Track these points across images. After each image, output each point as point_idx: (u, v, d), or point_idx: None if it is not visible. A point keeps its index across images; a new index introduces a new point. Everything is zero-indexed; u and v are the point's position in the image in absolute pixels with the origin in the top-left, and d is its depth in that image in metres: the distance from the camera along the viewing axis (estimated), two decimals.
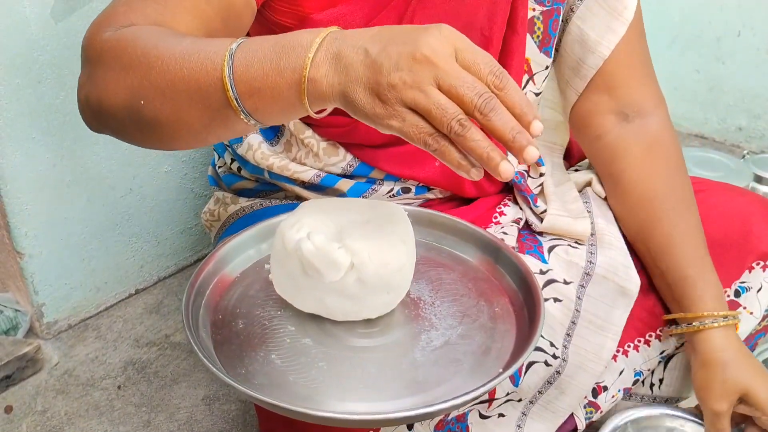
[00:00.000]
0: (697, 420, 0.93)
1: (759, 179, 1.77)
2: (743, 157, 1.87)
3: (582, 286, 0.91)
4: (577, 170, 1.11)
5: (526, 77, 0.98)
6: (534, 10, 0.94)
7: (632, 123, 0.97)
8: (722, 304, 0.91)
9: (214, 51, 0.62)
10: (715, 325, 0.89)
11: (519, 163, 0.58)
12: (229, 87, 0.60)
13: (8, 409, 1.26)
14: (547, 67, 0.98)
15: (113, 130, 0.71)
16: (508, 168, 0.56)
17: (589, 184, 1.04)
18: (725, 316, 0.90)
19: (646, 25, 1.00)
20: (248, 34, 0.83)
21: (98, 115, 0.69)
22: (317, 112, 0.61)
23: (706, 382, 0.89)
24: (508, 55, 0.94)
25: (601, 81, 0.97)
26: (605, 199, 1.01)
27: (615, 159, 0.98)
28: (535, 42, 0.96)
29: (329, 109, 0.62)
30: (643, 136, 0.97)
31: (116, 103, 0.66)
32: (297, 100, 0.59)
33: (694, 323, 0.90)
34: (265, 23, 0.85)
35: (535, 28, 0.95)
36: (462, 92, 0.55)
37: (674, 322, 0.94)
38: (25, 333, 1.39)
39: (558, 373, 0.88)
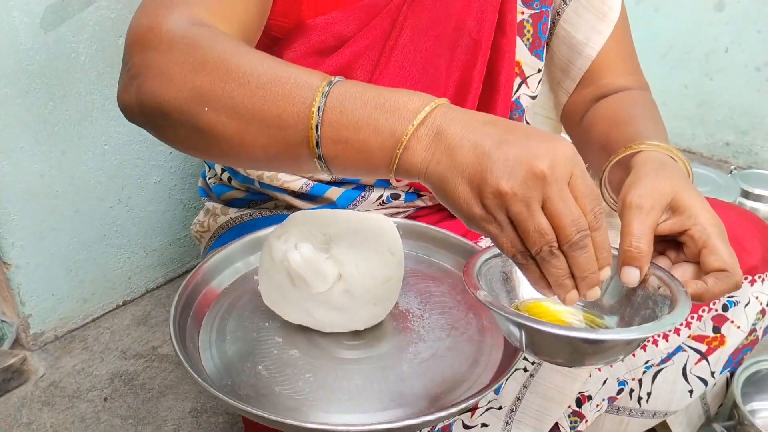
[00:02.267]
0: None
1: (746, 194, 1.79)
2: (731, 172, 1.89)
3: None
4: None
5: (518, 80, 0.99)
6: (523, 13, 0.96)
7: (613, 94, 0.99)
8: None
9: (305, 81, 0.57)
10: (655, 150, 0.77)
11: (578, 296, 0.60)
12: (314, 127, 0.55)
13: None
14: (539, 70, 1.00)
15: (156, 126, 0.64)
16: (573, 297, 0.57)
17: None
18: (668, 149, 0.78)
19: (636, 41, 1.02)
20: None
21: (147, 107, 0.62)
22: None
23: (637, 178, 0.72)
24: (497, 57, 0.96)
25: (589, 76, 1.00)
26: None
27: (593, 121, 0.96)
28: (526, 45, 0.98)
29: (406, 180, 0.58)
30: (621, 94, 0.98)
31: (173, 100, 0.59)
32: (383, 164, 0.56)
33: (633, 146, 0.79)
34: None
35: (525, 31, 0.97)
36: (565, 223, 0.53)
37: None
38: (11, 344, 1.38)
39: (531, 376, 0.88)
